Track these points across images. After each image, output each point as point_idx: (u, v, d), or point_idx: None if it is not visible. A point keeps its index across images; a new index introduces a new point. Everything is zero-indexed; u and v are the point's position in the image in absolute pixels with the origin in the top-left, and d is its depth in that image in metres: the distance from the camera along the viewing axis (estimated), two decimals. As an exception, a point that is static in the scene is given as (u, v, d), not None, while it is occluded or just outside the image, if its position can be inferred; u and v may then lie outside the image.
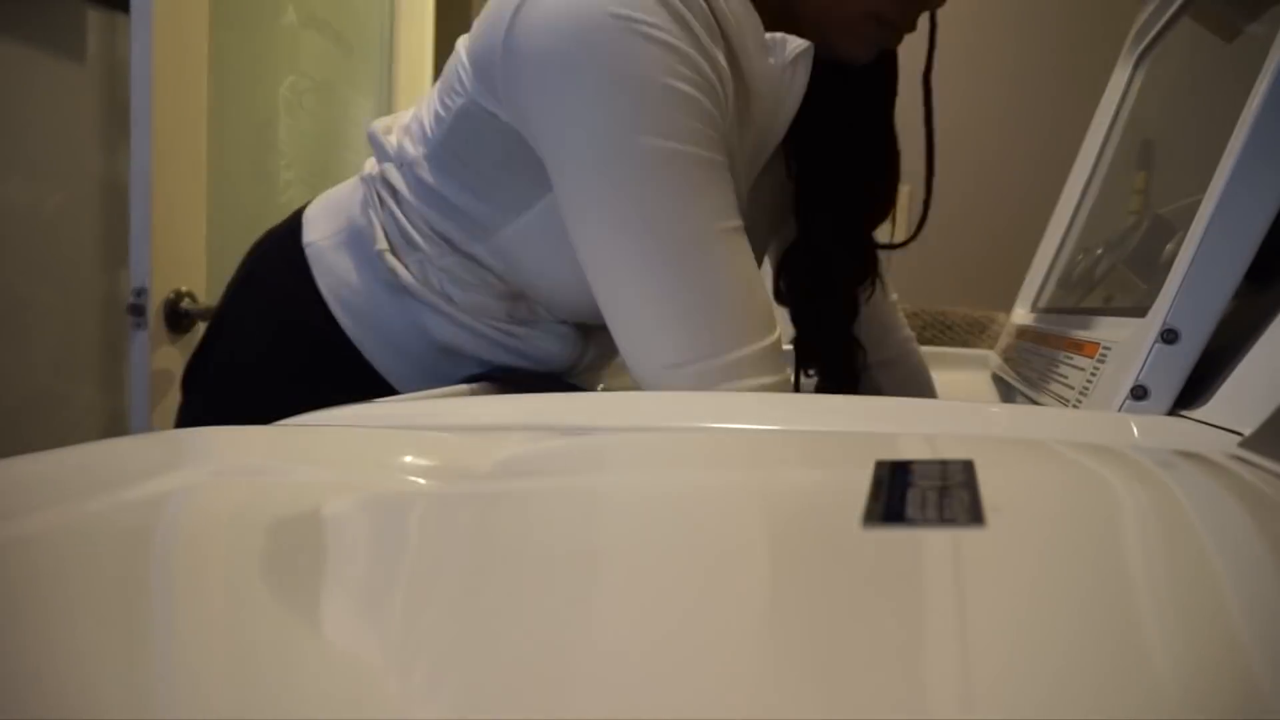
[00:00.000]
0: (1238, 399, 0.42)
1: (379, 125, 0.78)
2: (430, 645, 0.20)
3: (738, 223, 0.63)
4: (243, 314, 0.80)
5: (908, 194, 2.09)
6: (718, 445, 0.43)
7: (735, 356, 0.61)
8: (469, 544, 0.28)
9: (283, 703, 0.17)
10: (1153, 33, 0.87)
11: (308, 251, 0.76)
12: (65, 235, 1.99)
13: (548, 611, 0.22)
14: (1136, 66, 0.91)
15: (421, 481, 0.37)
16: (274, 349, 0.77)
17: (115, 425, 2.05)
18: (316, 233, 0.77)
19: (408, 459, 0.41)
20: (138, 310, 1.74)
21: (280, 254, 0.78)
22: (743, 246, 0.63)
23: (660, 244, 0.60)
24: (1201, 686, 0.17)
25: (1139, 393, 0.45)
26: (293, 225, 0.80)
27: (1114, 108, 0.92)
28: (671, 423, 0.49)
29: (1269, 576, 0.24)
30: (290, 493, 0.36)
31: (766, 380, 0.62)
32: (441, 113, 0.70)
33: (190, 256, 1.58)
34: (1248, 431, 0.39)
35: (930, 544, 0.25)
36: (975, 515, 0.26)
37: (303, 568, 0.26)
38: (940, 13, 0.73)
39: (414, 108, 0.76)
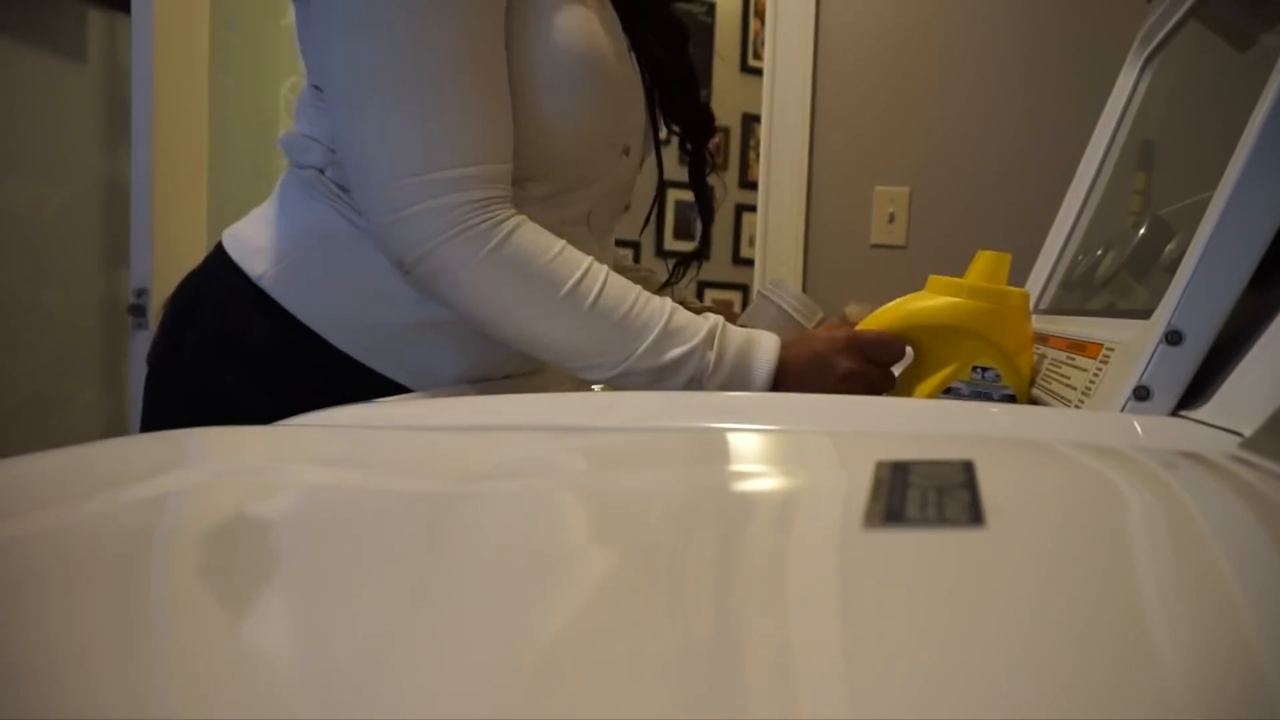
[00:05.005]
0: (1238, 400, 0.42)
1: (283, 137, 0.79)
2: (431, 646, 0.20)
3: (491, 43, 0.66)
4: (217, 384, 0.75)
5: (907, 194, 2.09)
6: (717, 445, 0.43)
7: (468, 173, 0.64)
8: (469, 544, 0.28)
9: (281, 702, 0.17)
10: (1160, 35, 0.87)
11: (266, 286, 0.73)
12: (65, 235, 1.99)
13: (546, 612, 0.22)
14: (1143, 69, 0.91)
15: (421, 481, 0.37)
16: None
17: (115, 425, 2.05)
18: (264, 264, 0.74)
19: (408, 459, 0.41)
20: (138, 310, 1.74)
21: (230, 311, 0.75)
22: (493, 67, 0.66)
23: (408, 53, 0.63)
24: (1210, 687, 0.17)
25: (1142, 393, 0.45)
26: (221, 273, 0.76)
27: (1120, 110, 0.92)
28: (671, 423, 0.49)
29: (1273, 577, 0.24)
30: (290, 493, 0.36)
31: (493, 193, 0.65)
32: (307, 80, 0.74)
33: (190, 257, 1.59)
34: (1248, 432, 0.38)
35: (931, 545, 0.25)
36: (975, 516, 0.26)
37: (303, 568, 0.26)
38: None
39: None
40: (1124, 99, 0.92)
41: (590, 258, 0.69)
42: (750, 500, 0.33)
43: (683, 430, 0.47)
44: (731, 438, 0.45)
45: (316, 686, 0.18)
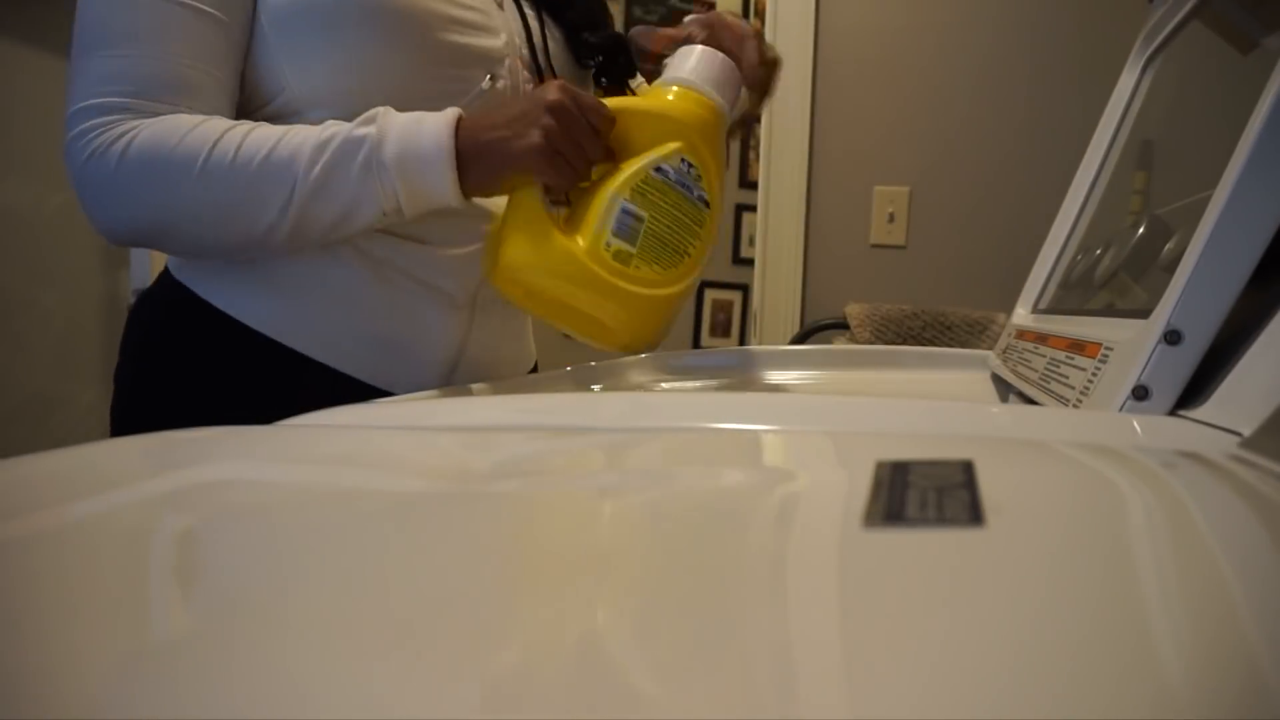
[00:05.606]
0: (1238, 399, 0.42)
1: None
2: (430, 646, 0.20)
3: (200, 7, 0.67)
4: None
5: (907, 194, 2.09)
6: (716, 445, 0.43)
7: (91, 103, 0.65)
8: (468, 545, 0.28)
9: (281, 703, 0.17)
10: (1162, 36, 0.87)
11: (180, 277, 0.75)
12: (65, 235, 1.99)
13: (544, 613, 0.22)
14: (1145, 69, 0.91)
15: (420, 482, 0.37)
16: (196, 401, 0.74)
17: (115, 426, 2.05)
18: (176, 261, 0.77)
19: (407, 459, 0.41)
20: (138, 310, 1.73)
21: (159, 312, 0.77)
22: (188, 28, 0.67)
23: (102, 10, 0.66)
24: (1210, 687, 0.17)
25: (1140, 393, 0.45)
26: (161, 280, 0.79)
27: (1121, 110, 0.92)
28: (670, 423, 0.49)
29: (1273, 577, 0.24)
30: (289, 493, 0.36)
31: (112, 117, 0.65)
32: None
33: (190, 256, 1.59)
34: (1247, 432, 0.39)
35: (931, 545, 0.25)
36: (975, 515, 0.26)
37: (303, 568, 0.26)
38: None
39: None
40: (1125, 99, 0.92)
41: (235, 123, 0.66)
42: (749, 501, 0.33)
43: (680, 430, 0.47)
44: (730, 438, 0.45)
45: (315, 686, 0.18)
